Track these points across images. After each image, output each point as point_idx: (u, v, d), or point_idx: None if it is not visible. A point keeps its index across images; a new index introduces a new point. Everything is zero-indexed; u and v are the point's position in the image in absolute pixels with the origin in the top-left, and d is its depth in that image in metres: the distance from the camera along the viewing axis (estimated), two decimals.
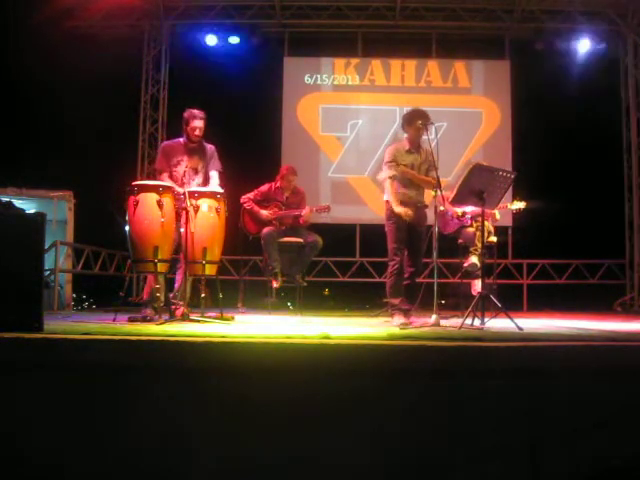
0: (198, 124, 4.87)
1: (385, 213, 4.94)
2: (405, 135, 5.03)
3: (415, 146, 4.94)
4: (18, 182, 6.92)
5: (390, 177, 4.87)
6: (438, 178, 4.59)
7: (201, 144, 4.95)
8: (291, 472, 2.54)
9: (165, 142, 5.17)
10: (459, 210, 5.80)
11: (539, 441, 2.57)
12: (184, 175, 4.81)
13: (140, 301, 4.87)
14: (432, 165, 4.85)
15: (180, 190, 4.55)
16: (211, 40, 9.27)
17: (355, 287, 9.09)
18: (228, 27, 9.31)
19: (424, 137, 4.73)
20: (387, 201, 4.90)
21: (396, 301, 4.80)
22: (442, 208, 5.35)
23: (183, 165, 4.85)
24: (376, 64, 9.46)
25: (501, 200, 4.67)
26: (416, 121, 4.80)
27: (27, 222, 3.09)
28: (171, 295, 4.76)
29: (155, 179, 4.92)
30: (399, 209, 4.76)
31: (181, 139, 4.99)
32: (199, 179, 4.93)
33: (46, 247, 5.01)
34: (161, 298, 4.59)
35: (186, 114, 4.92)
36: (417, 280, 4.91)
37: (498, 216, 5.86)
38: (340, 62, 9.52)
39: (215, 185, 4.91)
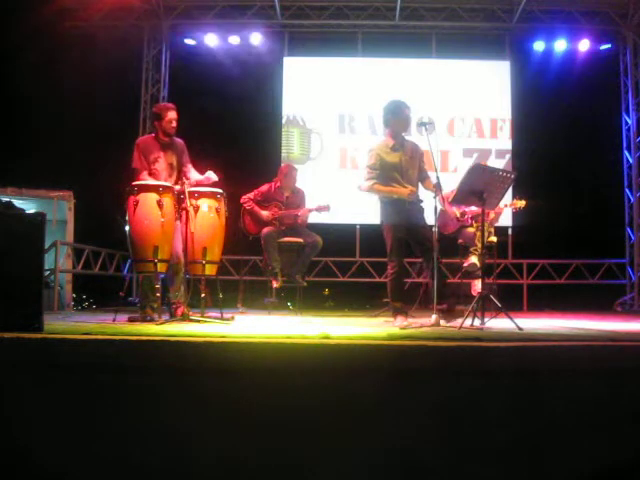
0: (173, 115, 4.77)
1: (380, 213, 4.82)
2: (386, 131, 4.86)
3: (399, 141, 4.78)
4: (18, 182, 6.93)
5: (369, 189, 4.75)
6: (438, 178, 4.57)
7: (172, 139, 4.87)
8: (291, 472, 2.54)
9: (139, 139, 5.04)
10: (457, 212, 5.77)
11: (539, 441, 2.57)
12: (162, 171, 4.76)
13: (135, 300, 4.85)
14: (421, 161, 4.82)
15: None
16: (211, 40, 9.28)
17: (355, 287, 9.09)
18: (228, 27, 9.32)
19: (424, 138, 4.69)
20: (381, 200, 4.80)
21: (398, 304, 4.70)
22: (442, 208, 5.32)
23: (162, 162, 4.78)
24: (376, 64, 9.46)
25: (501, 200, 4.66)
26: (403, 111, 4.69)
27: (27, 222, 3.09)
28: (170, 295, 4.75)
29: (135, 179, 4.75)
30: (403, 191, 4.63)
31: (153, 135, 4.91)
32: (175, 175, 4.84)
33: (46, 247, 5.01)
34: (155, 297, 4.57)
35: (157, 109, 4.86)
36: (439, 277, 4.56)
37: (492, 215, 5.82)
38: (340, 62, 9.53)
39: (195, 174, 4.84)
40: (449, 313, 4.48)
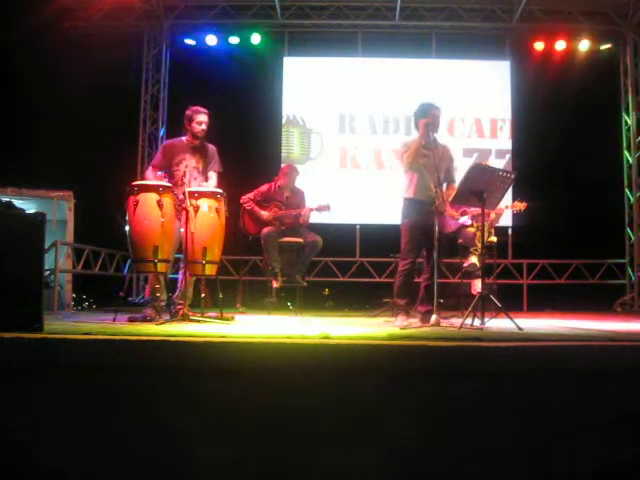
0: (203, 119, 4.85)
1: (401, 211, 4.83)
2: (418, 133, 4.85)
3: (431, 141, 4.76)
4: (18, 182, 6.92)
5: (410, 166, 4.71)
6: (439, 177, 4.58)
7: (203, 143, 4.92)
8: (291, 472, 2.54)
9: (167, 141, 5.11)
10: (455, 214, 5.73)
11: (539, 441, 2.57)
12: (184, 174, 4.80)
13: (140, 301, 4.86)
14: (450, 166, 4.84)
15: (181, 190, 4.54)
16: (211, 40, 9.28)
17: (355, 287, 9.09)
18: (228, 27, 9.32)
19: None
20: (404, 199, 4.81)
21: (402, 302, 4.73)
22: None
23: (185, 164, 4.82)
24: (376, 64, 9.46)
25: (501, 200, 4.65)
26: (432, 112, 4.70)
27: (27, 222, 3.09)
28: (174, 296, 4.75)
29: (146, 171, 4.82)
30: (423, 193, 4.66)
31: (183, 138, 4.96)
32: (201, 178, 4.91)
33: (46, 247, 5.00)
34: (161, 297, 4.59)
35: (189, 111, 4.89)
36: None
37: (493, 215, 5.80)
38: (340, 62, 9.53)
39: (212, 186, 4.89)
40: (425, 316, 4.57)
